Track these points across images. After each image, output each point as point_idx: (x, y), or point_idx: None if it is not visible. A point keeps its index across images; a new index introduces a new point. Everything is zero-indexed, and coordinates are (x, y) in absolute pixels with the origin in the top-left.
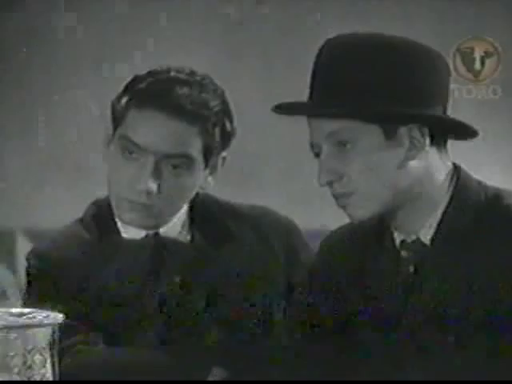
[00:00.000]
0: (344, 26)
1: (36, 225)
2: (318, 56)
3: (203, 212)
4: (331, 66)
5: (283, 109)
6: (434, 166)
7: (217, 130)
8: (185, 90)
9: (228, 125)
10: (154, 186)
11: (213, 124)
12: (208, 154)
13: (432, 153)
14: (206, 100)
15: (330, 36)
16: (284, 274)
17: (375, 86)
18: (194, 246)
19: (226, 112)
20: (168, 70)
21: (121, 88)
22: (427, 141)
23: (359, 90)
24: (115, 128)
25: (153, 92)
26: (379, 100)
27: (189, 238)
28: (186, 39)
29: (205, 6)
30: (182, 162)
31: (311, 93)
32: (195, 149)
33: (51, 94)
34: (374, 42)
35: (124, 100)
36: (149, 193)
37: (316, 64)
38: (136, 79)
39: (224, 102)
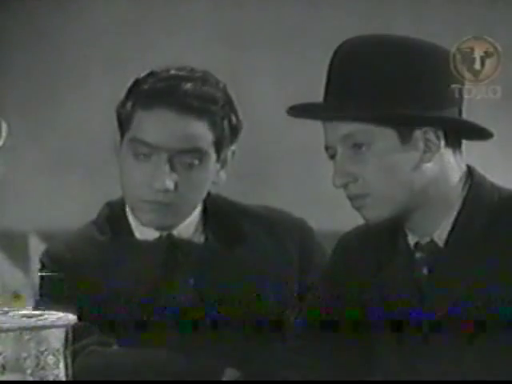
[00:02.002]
0: (345, 24)
1: (49, 226)
2: (333, 58)
3: (217, 213)
4: (345, 68)
5: (297, 111)
6: (448, 167)
7: (225, 123)
8: (189, 86)
9: (234, 118)
10: (171, 184)
11: (221, 117)
12: (219, 147)
13: (447, 155)
14: (211, 94)
15: (340, 35)
16: (297, 275)
17: (389, 89)
18: (207, 247)
19: (230, 105)
20: (168, 70)
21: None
22: (442, 143)
23: (372, 93)
24: (123, 133)
25: (157, 91)
26: (393, 103)
27: (202, 238)
28: (198, 39)
29: (218, 6)
30: (194, 156)
31: (326, 94)
32: (206, 142)
33: (63, 94)
34: (388, 44)
35: (129, 104)
36: (167, 191)
37: (331, 66)
38: (137, 82)
39: (227, 96)
